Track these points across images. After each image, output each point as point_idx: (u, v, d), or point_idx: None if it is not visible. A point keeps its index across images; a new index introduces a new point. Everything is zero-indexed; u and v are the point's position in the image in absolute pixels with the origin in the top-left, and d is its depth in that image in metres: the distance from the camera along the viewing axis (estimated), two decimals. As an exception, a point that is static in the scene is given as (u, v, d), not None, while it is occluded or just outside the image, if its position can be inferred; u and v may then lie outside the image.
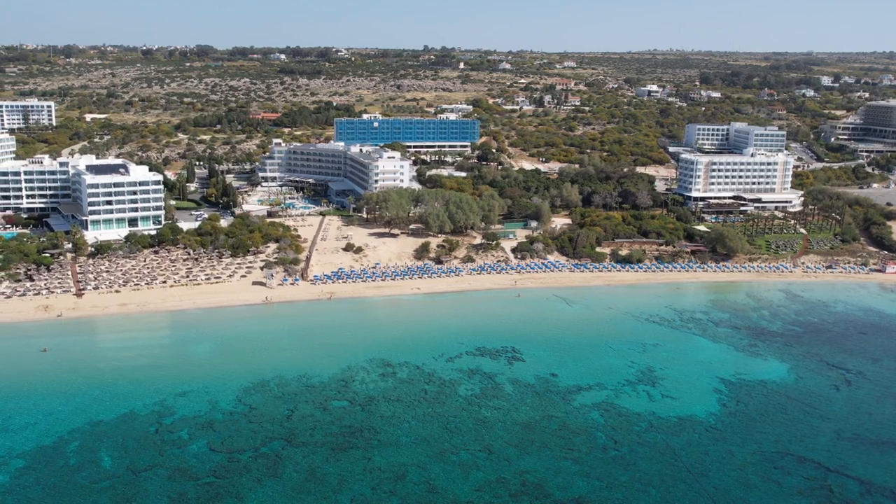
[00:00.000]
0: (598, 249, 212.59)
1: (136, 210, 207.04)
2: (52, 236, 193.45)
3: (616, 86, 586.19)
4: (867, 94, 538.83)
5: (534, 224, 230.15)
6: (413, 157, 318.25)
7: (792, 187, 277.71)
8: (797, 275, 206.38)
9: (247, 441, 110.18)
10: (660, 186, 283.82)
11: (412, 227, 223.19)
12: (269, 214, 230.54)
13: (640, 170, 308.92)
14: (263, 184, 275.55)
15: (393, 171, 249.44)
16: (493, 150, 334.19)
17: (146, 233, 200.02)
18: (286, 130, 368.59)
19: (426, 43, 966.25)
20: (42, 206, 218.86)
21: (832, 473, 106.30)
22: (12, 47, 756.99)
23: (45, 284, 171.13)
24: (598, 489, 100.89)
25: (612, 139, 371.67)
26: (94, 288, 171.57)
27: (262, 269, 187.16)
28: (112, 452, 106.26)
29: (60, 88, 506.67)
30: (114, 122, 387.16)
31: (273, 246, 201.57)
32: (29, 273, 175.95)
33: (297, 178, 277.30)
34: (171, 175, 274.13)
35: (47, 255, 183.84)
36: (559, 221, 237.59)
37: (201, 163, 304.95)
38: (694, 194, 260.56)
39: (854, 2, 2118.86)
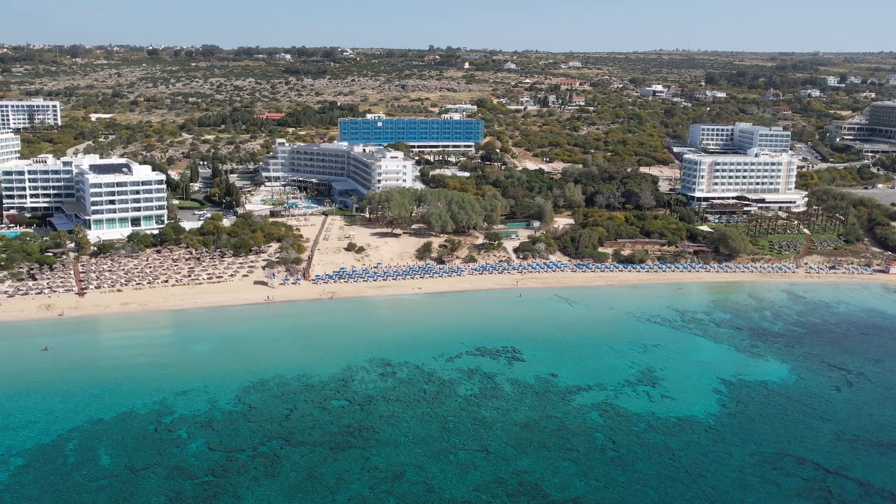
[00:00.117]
0: (600, 250, 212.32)
1: (138, 209, 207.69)
2: (55, 235, 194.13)
3: (621, 86, 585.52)
4: (873, 95, 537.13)
5: (536, 224, 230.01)
6: (417, 157, 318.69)
7: (796, 188, 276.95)
8: (800, 275, 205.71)
9: (245, 440, 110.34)
10: (663, 187, 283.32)
11: (414, 226, 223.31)
12: (272, 214, 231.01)
13: (644, 170, 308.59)
14: (267, 183, 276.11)
15: (396, 170, 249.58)
16: (497, 150, 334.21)
17: (149, 232, 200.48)
18: (290, 130, 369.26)
19: (431, 43, 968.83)
20: (46, 205, 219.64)
21: (831, 475, 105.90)
22: (19, 47, 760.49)
23: (47, 283, 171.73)
24: (596, 489, 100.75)
25: (617, 139, 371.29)
26: (96, 287, 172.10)
27: (263, 268, 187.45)
28: (111, 451, 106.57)
29: (66, 88, 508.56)
30: (119, 121, 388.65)
31: (275, 245, 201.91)
32: (31, 272, 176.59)
33: (301, 178, 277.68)
34: (174, 175, 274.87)
35: (50, 254, 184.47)
36: (562, 221, 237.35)
37: (205, 162, 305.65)
38: (697, 194, 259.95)
39: (861, 2, 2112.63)
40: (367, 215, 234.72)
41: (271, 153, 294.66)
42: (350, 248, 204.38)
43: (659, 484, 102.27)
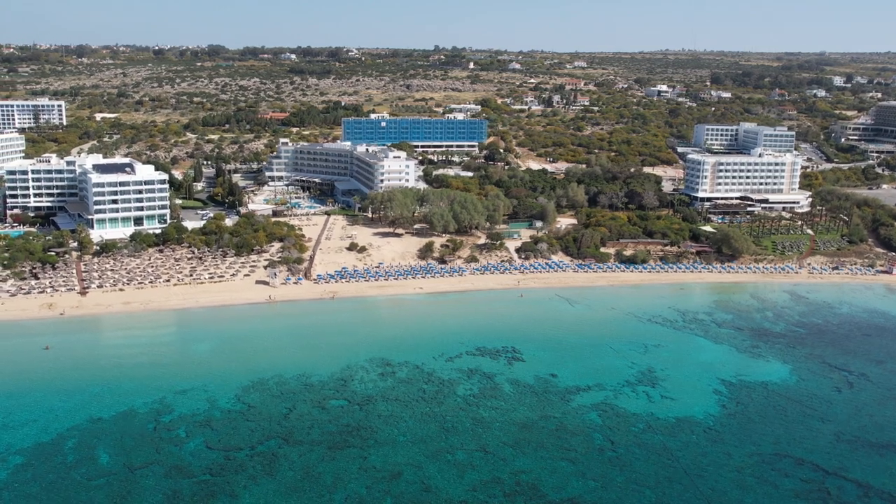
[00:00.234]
0: (602, 250, 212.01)
1: (141, 209, 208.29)
2: (58, 235, 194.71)
3: (626, 86, 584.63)
4: (879, 95, 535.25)
5: (539, 224, 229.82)
6: (420, 157, 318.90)
7: (800, 188, 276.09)
8: (803, 276, 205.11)
9: (244, 439, 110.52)
10: (667, 187, 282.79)
11: (417, 226, 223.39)
12: (275, 214, 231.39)
13: (648, 170, 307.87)
14: (270, 183, 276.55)
15: (398, 170, 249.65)
16: (501, 150, 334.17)
17: (151, 232, 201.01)
18: (294, 130, 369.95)
19: (437, 43, 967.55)
20: (49, 204, 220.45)
21: (830, 476, 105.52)
22: (26, 47, 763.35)
23: (49, 283, 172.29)
24: (593, 489, 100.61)
25: (621, 139, 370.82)
26: (98, 286, 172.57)
27: (265, 268, 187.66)
28: (110, 450, 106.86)
29: (72, 88, 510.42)
30: (123, 121, 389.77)
31: (277, 245, 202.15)
32: (34, 271, 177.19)
33: (304, 178, 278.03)
34: (178, 174, 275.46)
35: (53, 253, 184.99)
36: (565, 222, 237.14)
37: (209, 162, 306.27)
38: (701, 195, 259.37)
39: (868, 2, 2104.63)
40: (369, 215, 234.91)
41: (275, 153, 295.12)
42: (352, 247, 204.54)
43: (656, 484, 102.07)
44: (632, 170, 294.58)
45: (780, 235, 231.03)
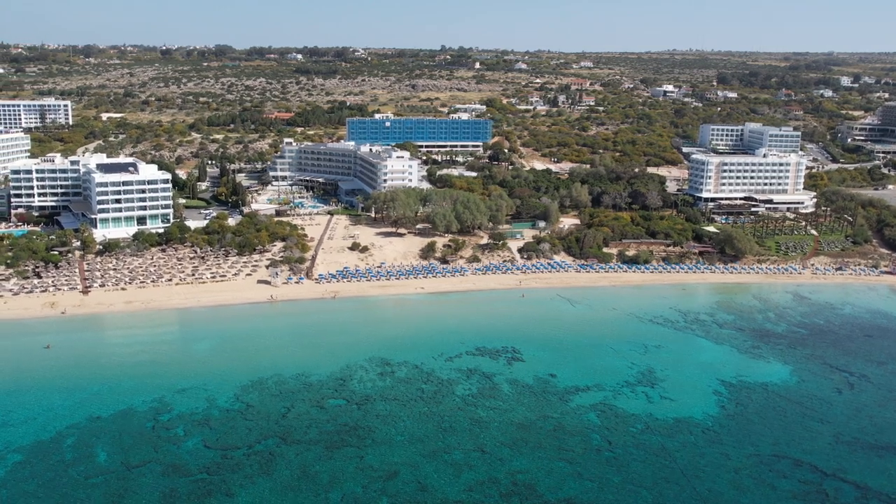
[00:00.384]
0: (605, 250, 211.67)
1: (144, 208, 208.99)
2: (61, 234, 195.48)
3: (632, 86, 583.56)
4: (887, 95, 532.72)
5: (542, 224, 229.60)
6: (425, 157, 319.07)
7: (805, 188, 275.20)
8: (806, 276, 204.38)
9: (241, 438, 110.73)
10: (671, 187, 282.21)
11: (419, 226, 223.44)
12: (278, 213, 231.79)
13: (652, 170, 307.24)
14: (274, 183, 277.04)
15: (401, 170, 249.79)
16: (505, 150, 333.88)
17: (154, 231, 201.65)
18: (299, 130, 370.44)
19: (444, 43, 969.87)
20: (53, 204, 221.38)
21: (828, 477, 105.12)
22: (33, 47, 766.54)
23: (52, 282, 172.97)
24: (590, 490, 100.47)
25: (626, 139, 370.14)
26: (100, 285, 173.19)
27: (267, 267, 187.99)
28: (108, 448, 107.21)
29: (79, 88, 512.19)
30: (129, 121, 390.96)
31: (280, 245, 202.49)
32: (37, 270, 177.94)
33: (308, 178, 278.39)
34: (182, 174, 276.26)
35: (55, 252, 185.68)
36: (568, 222, 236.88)
37: (213, 162, 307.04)
38: (704, 195, 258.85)
39: (876, 2, 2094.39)
40: (372, 215, 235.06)
41: (279, 153, 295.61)
42: (354, 247, 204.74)
43: (653, 485, 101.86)
44: (636, 170, 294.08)
45: (783, 236, 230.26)
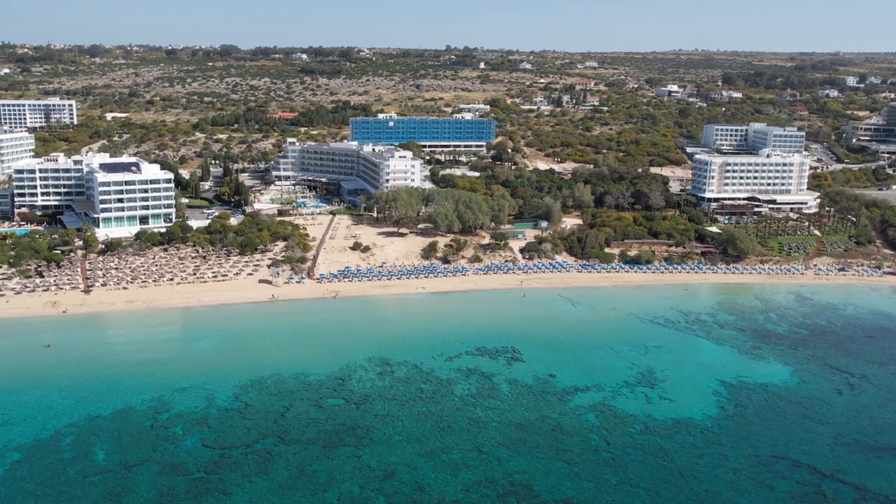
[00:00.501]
0: (607, 250, 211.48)
1: (147, 208, 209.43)
2: (64, 233, 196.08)
3: (636, 86, 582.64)
4: (893, 95, 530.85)
5: (544, 224, 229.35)
6: (428, 157, 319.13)
7: (809, 188, 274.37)
8: (809, 277, 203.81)
9: (240, 437, 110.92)
10: (675, 187, 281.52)
11: (421, 226, 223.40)
12: (280, 213, 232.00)
13: (656, 170, 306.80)
14: (277, 182, 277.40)
15: (404, 170, 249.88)
16: (508, 150, 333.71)
17: (156, 230, 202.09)
18: (302, 130, 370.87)
19: (449, 43, 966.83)
20: (57, 203, 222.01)
21: (827, 479, 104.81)
22: (40, 47, 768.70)
23: (54, 281, 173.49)
24: (587, 490, 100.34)
25: (629, 139, 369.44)
26: (102, 285, 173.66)
27: (269, 267, 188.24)
28: (106, 447, 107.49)
29: (84, 88, 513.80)
30: (134, 120, 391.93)
31: (281, 244, 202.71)
32: (39, 269, 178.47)
33: (311, 178, 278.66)
34: (186, 174, 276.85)
35: (58, 251, 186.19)
36: (570, 222, 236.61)
37: (217, 161, 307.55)
38: (708, 195, 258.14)
39: (883, 1, 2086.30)
40: (374, 215, 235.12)
41: (282, 152, 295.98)
42: (356, 247, 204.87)
43: (651, 485, 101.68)
44: (639, 170, 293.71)
45: (786, 236, 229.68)
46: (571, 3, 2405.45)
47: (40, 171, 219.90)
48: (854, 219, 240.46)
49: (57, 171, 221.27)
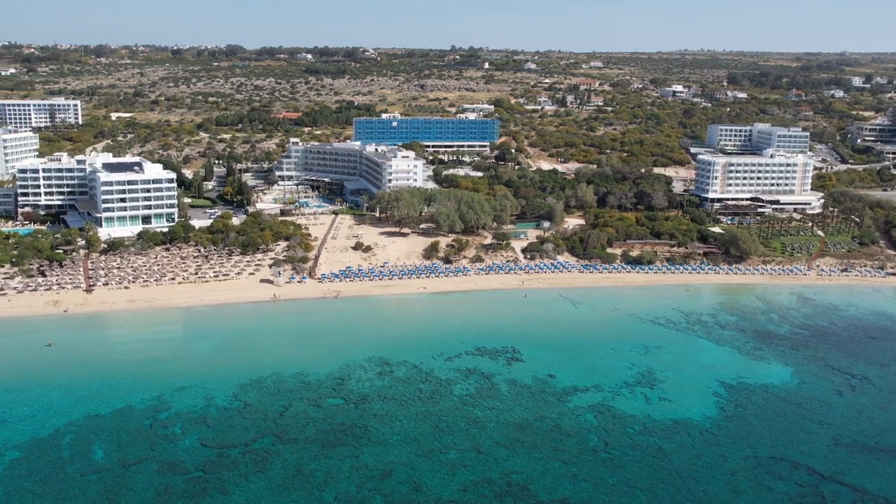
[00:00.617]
0: (609, 250, 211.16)
1: (149, 207, 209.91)
2: (66, 233, 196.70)
3: (641, 86, 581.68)
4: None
5: (546, 224, 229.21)
6: (431, 157, 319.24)
7: (813, 189, 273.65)
8: (811, 278, 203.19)
9: (238, 437, 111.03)
10: (678, 187, 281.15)
11: (423, 226, 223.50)
12: (282, 213, 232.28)
13: (660, 171, 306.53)
14: (280, 182, 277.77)
15: (406, 170, 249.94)
16: (512, 151, 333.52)
17: (158, 230, 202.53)
18: (306, 130, 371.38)
19: (455, 43, 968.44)
20: (60, 202, 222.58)
21: (826, 480, 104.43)
22: (46, 47, 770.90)
23: (56, 280, 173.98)
24: (584, 490, 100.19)
25: (633, 140, 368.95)
26: (104, 284, 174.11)
27: (270, 266, 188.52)
28: (105, 445, 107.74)
29: (89, 88, 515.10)
30: (138, 120, 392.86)
31: (283, 244, 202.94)
32: (41, 269, 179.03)
33: (314, 177, 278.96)
34: (189, 173, 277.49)
35: (60, 251, 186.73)
36: (573, 222, 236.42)
37: (220, 161, 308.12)
38: (711, 196, 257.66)
39: (890, 1, 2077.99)
40: (376, 214, 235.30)
41: (285, 152, 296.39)
42: (357, 247, 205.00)
43: (648, 486, 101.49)
44: (642, 170, 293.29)
45: (789, 237, 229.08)
46: (577, 3, 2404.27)
47: (44, 170, 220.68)
48: (858, 219, 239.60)
49: (60, 170, 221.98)
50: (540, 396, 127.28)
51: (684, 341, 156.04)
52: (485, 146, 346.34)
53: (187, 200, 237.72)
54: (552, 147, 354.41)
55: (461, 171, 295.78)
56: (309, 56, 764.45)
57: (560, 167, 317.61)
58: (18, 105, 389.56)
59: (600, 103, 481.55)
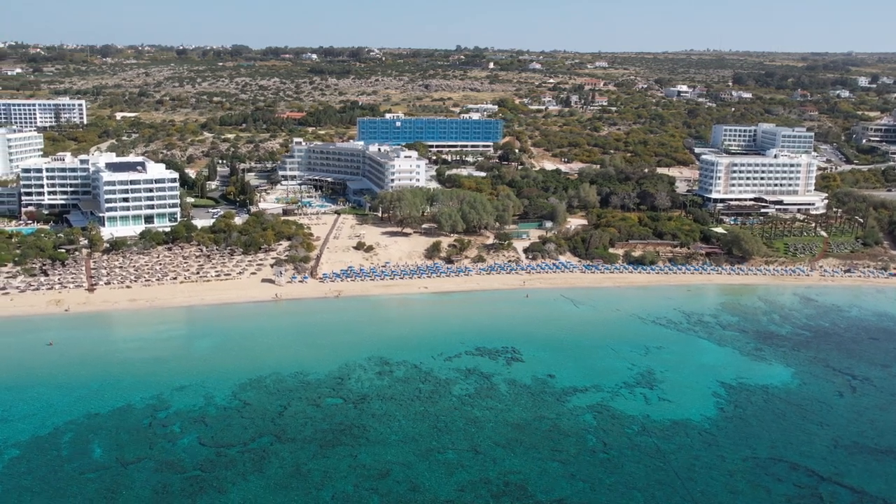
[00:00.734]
0: (611, 251, 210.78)
1: (151, 207, 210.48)
2: (69, 232, 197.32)
3: (646, 86, 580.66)
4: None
5: (549, 224, 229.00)
6: (434, 157, 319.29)
7: (818, 189, 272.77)
8: (814, 278, 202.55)
9: (236, 436, 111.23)
10: (681, 188, 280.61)
11: (425, 226, 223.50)
12: (285, 213, 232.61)
13: (663, 171, 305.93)
14: (283, 182, 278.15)
15: (409, 170, 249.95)
16: (516, 150, 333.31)
17: (161, 230, 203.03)
18: (310, 129, 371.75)
19: (460, 43, 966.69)
20: (63, 202, 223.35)
21: (825, 481, 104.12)
22: (52, 47, 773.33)
23: (58, 279, 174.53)
24: (582, 491, 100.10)
25: (637, 140, 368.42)
26: (105, 283, 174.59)
27: (272, 266, 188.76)
28: (104, 444, 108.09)
29: (94, 87, 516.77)
30: (143, 120, 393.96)
31: (285, 244, 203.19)
32: (44, 268, 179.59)
33: (317, 177, 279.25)
34: (193, 173, 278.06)
35: (63, 250, 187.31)
36: (576, 222, 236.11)
37: (224, 161, 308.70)
38: (714, 196, 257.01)
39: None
40: (379, 214, 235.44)
41: (289, 152, 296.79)
42: (359, 247, 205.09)
43: (646, 487, 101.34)
44: (645, 170, 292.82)
45: (793, 237, 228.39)
46: (583, 3, 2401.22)
47: (47, 170, 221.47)
48: (861, 220, 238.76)
49: (63, 170, 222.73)
50: (539, 397, 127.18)
51: (685, 342, 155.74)
52: (488, 146, 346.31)
53: (190, 200, 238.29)
54: (556, 147, 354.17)
55: (464, 171, 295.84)
56: (314, 56, 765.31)
57: (563, 167, 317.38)
58: (24, 105, 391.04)
59: (604, 103, 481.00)
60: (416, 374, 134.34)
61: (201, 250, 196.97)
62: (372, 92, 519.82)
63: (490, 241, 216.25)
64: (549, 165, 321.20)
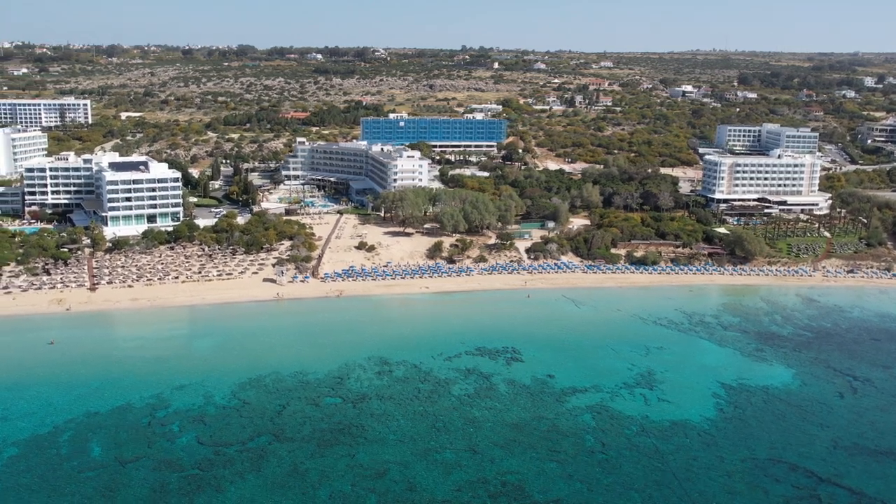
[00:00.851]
0: (613, 251, 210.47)
1: (154, 206, 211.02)
2: (72, 231, 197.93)
3: (650, 86, 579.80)
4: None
5: (551, 224, 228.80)
6: (438, 157, 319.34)
7: (822, 190, 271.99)
8: (817, 279, 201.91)
9: (235, 435, 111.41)
10: (685, 188, 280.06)
11: (427, 226, 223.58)
12: (287, 212, 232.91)
13: (667, 171, 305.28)
14: (286, 182, 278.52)
15: (412, 170, 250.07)
16: (519, 151, 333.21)
17: (163, 229, 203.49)
18: (314, 129, 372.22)
19: (465, 43, 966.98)
20: (67, 201, 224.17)
21: (824, 483, 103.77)
22: (58, 47, 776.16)
23: (60, 278, 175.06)
24: (579, 491, 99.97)
25: (641, 140, 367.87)
26: (107, 282, 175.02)
27: (274, 266, 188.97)
28: (103, 443, 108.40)
29: (100, 87, 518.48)
30: (148, 120, 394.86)
31: (287, 243, 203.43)
32: (46, 267, 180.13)
33: (320, 177, 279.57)
34: (196, 173, 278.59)
35: (65, 249, 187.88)
36: (578, 222, 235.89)
37: (227, 161, 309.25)
38: (717, 196, 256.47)
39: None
40: (381, 214, 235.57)
41: (292, 152, 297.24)
42: (361, 246, 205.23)
43: (644, 487, 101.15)
44: (649, 170, 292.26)
45: (796, 238, 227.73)
46: (588, 3, 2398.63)
47: (50, 169, 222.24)
48: (865, 220, 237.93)
49: (67, 169, 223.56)
50: (538, 397, 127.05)
51: (686, 342, 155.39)
52: (492, 146, 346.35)
53: (193, 200, 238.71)
54: (560, 147, 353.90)
55: (467, 171, 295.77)
56: (319, 56, 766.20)
57: (567, 167, 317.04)
58: (29, 104, 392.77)
59: (609, 103, 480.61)
60: (415, 374, 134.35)
61: (203, 250, 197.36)
62: (376, 92, 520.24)
63: (492, 241, 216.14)
64: (553, 165, 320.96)
